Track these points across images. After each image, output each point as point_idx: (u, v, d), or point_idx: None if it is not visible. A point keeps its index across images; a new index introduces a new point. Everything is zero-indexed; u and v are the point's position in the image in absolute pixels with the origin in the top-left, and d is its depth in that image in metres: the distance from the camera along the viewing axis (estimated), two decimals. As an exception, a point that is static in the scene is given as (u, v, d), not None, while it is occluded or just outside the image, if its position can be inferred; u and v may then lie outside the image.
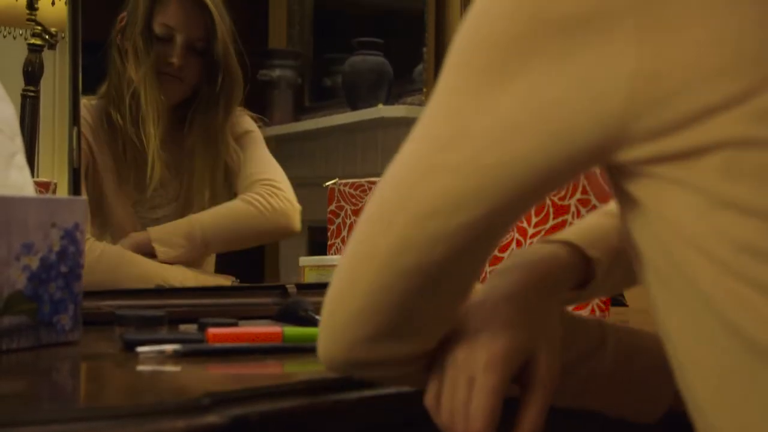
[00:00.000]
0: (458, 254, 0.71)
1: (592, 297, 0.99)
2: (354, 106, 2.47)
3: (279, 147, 2.72)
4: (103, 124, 1.84)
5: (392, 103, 2.42)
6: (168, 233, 1.79)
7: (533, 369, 0.80)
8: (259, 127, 1.99)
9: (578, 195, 1.48)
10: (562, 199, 1.50)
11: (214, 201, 1.88)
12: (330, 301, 0.78)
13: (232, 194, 1.89)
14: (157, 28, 1.83)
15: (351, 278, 0.75)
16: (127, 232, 1.82)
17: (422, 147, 0.72)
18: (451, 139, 0.69)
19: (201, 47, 1.85)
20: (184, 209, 1.88)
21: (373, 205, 0.74)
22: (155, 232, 1.79)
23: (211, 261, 1.96)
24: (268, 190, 1.85)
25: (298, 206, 1.88)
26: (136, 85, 1.83)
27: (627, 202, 0.71)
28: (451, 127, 0.69)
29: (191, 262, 1.83)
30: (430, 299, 0.75)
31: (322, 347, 0.80)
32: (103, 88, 1.86)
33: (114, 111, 1.83)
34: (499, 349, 0.78)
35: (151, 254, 1.78)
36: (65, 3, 1.69)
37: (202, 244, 1.81)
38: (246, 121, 1.97)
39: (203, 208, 1.87)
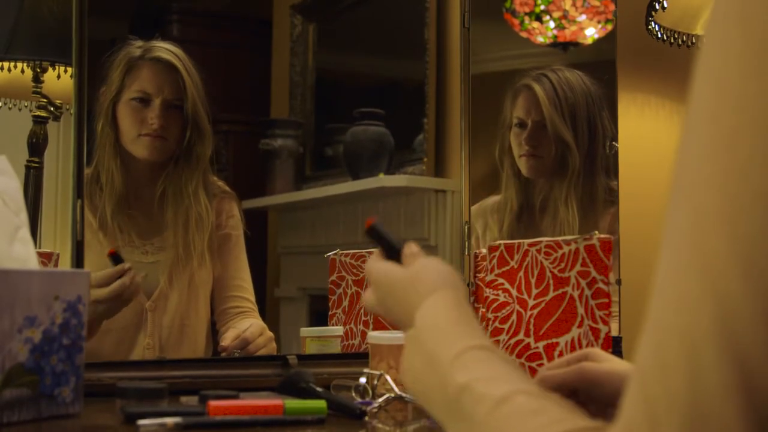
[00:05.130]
0: None
1: None
2: (355, 176, 2.48)
3: (280, 216, 2.73)
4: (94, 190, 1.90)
5: (393, 173, 2.43)
6: None
7: None
8: (227, 196, 2.03)
9: (578, 267, 1.49)
10: (562, 271, 1.51)
11: (187, 251, 1.92)
12: None
13: (204, 240, 1.93)
14: (135, 95, 1.90)
15: None
16: None
17: None
18: None
19: (179, 106, 1.92)
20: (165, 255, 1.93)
21: None
22: None
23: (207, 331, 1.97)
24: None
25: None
26: (123, 149, 1.91)
27: None
28: None
29: None
30: None
31: None
32: (94, 159, 1.90)
33: (103, 174, 1.88)
34: None
35: None
36: (71, 77, 1.71)
37: None
38: (230, 206, 2.03)
39: (179, 256, 1.92)
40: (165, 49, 1.94)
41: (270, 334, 1.89)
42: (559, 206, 2.00)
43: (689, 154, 0.50)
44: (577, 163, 1.99)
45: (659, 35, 2.06)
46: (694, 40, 2.05)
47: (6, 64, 1.97)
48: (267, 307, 2.40)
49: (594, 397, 1.21)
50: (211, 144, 1.96)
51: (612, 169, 2.02)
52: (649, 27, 2.05)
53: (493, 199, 2.09)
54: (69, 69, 1.89)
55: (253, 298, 2.00)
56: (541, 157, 2.04)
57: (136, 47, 1.92)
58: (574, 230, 1.95)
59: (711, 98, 0.49)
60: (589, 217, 1.99)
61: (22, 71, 1.97)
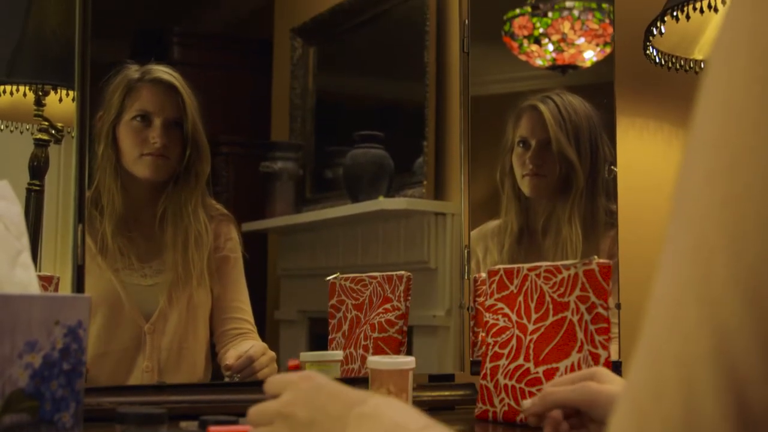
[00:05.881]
0: None
1: None
2: (355, 199, 2.49)
3: (280, 238, 2.73)
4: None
5: (393, 196, 2.43)
6: None
7: None
8: (225, 219, 2.04)
9: (577, 292, 1.49)
10: (561, 296, 1.51)
11: (187, 270, 1.93)
12: None
13: (203, 259, 1.94)
14: (136, 114, 1.93)
15: None
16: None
17: None
18: None
19: (179, 125, 1.95)
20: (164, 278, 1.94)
21: None
22: None
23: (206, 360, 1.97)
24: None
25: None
26: (124, 170, 1.93)
27: None
28: None
29: None
30: None
31: None
32: (95, 181, 1.91)
33: (104, 196, 1.89)
34: None
35: None
36: (72, 100, 1.72)
37: None
38: (228, 229, 2.03)
39: (179, 276, 1.92)
40: (163, 71, 1.98)
41: (272, 353, 1.89)
42: (562, 226, 2.00)
43: (691, 177, 0.50)
44: (581, 182, 2.00)
45: (657, 60, 2.07)
46: (692, 65, 2.06)
47: (8, 88, 1.98)
48: (267, 330, 2.40)
49: (595, 418, 1.21)
50: (210, 163, 1.98)
51: (612, 192, 2.02)
52: (647, 51, 2.06)
53: (494, 223, 2.10)
54: (71, 92, 1.90)
55: (252, 319, 2.01)
56: (544, 176, 2.04)
57: (134, 70, 1.96)
58: (576, 249, 1.95)
59: (714, 122, 0.49)
60: (590, 237, 2.00)
61: (24, 94, 1.98)
